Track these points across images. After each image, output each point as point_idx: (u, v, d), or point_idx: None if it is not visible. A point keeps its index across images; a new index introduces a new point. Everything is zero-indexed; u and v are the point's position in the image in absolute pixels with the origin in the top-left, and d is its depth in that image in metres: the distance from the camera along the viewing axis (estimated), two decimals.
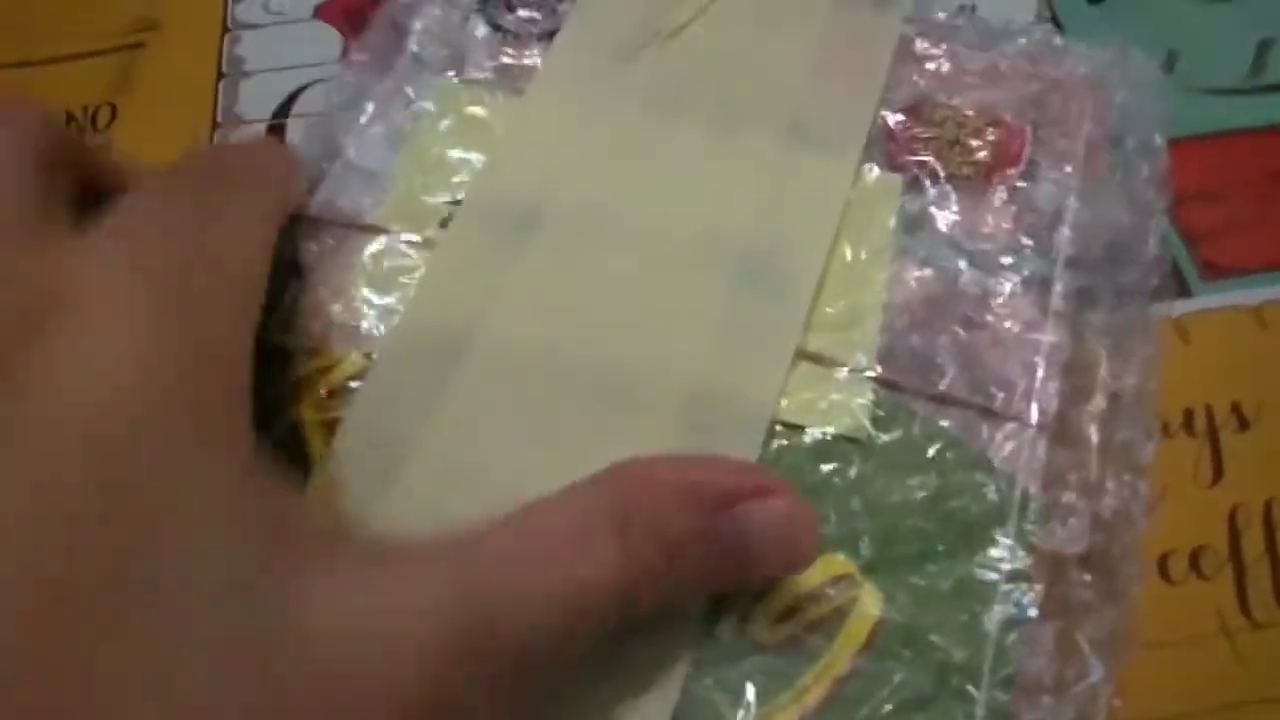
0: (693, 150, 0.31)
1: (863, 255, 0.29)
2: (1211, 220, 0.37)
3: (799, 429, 0.26)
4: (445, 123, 0.32)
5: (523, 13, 0.34)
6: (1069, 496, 0.26)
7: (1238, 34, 0.42)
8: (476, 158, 0.31)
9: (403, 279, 0.29)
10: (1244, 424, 0.32)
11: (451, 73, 0.33)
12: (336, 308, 0.28)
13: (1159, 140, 0.31)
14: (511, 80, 0.33)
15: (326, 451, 0.26)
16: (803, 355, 0.27)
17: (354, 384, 0.27)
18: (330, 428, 0.26)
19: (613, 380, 0.26)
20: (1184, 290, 0.35)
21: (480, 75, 0.33)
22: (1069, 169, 0.30)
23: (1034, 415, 0.26)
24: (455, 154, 0.31)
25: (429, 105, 0.32)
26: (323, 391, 0.27)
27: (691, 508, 0.21)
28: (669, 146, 0.31)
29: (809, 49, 0.33)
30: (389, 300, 0.28)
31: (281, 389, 0.27)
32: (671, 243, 0.29)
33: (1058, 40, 0.33)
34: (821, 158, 0.31)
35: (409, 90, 0.33)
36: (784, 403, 0.26)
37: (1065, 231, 0.29)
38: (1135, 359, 0.28)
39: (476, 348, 0.27)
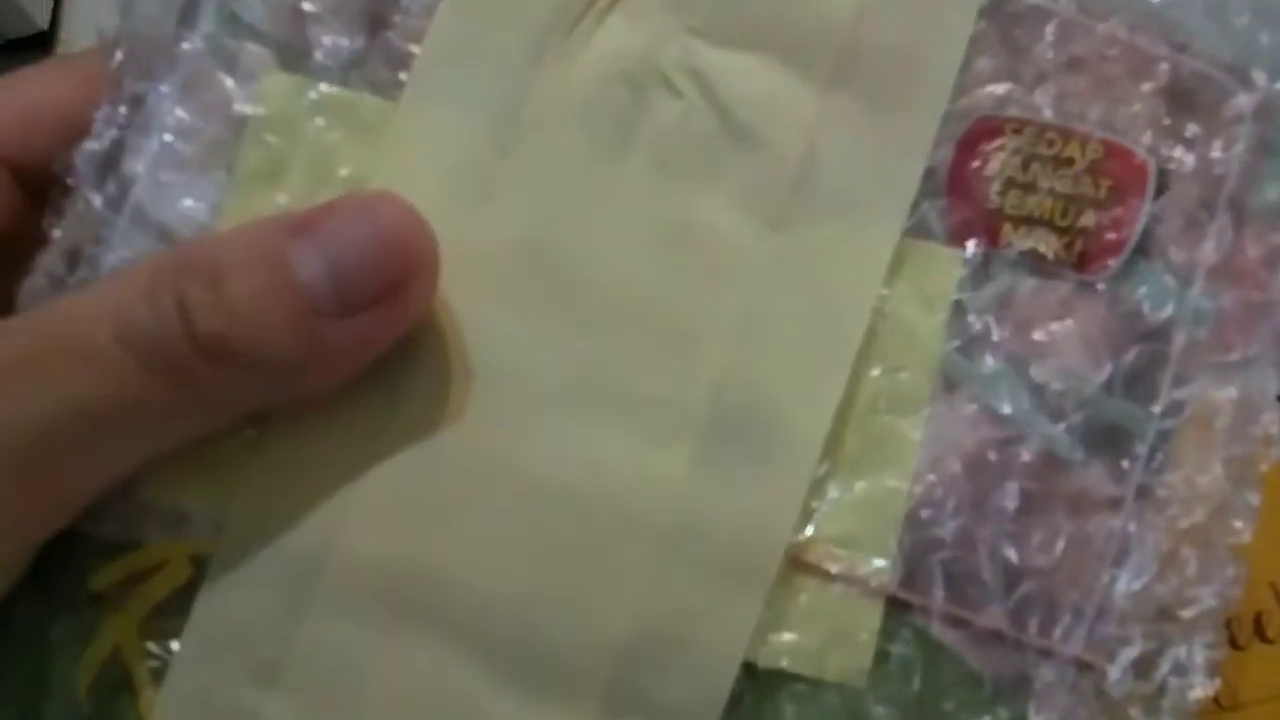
0: (645, 208, 0.21)
1: (895, 397, 0.20)
2: None
3: (778, 676, 0.20)
4: (273, 139, 0.21)
5: None
6: None
7: None
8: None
9: (245, 441, 0.20)
10: None
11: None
12: (154, 482, 0.20)
13: None
14: (376, 69, 0.21)
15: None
16: (793, 563, 0.20)
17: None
18: (158, 672, 0.20)
19: (514, 629, 0.20)
20: None
21: (330, 62, 0.21)
22: (1197, 260, 0.21)
23: (1108, 671, 0.20)
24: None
25: (256, 110, 0.21)
26: (142, 609, 0.20)
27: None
28: (610, 205, 0.21)
29: (835, 28, 0.21)
30: (228, 469, 0.20)
31: (82, 598, 0.20)
32: (607, 378, 0.20)
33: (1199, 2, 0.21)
34: (844, 218, 0.21)
35: (226, 81, 0.21)
36: (760, 639, 0.20)
37: (1172, 363, 0.20)
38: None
39: (335, 568, 0.20)
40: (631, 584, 0.20)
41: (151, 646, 0.20)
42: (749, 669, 0.20)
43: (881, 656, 0.20)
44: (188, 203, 0.20)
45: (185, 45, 0.21)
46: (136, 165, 0.21)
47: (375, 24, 0.21)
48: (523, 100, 0.21)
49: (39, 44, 0.40)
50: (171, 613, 0.20)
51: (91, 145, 0.21)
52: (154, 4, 0.21)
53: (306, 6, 0.21)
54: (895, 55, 0.21)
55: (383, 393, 0.20)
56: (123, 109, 0.21)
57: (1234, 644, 0.28)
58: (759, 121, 0.21)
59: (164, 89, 0.21)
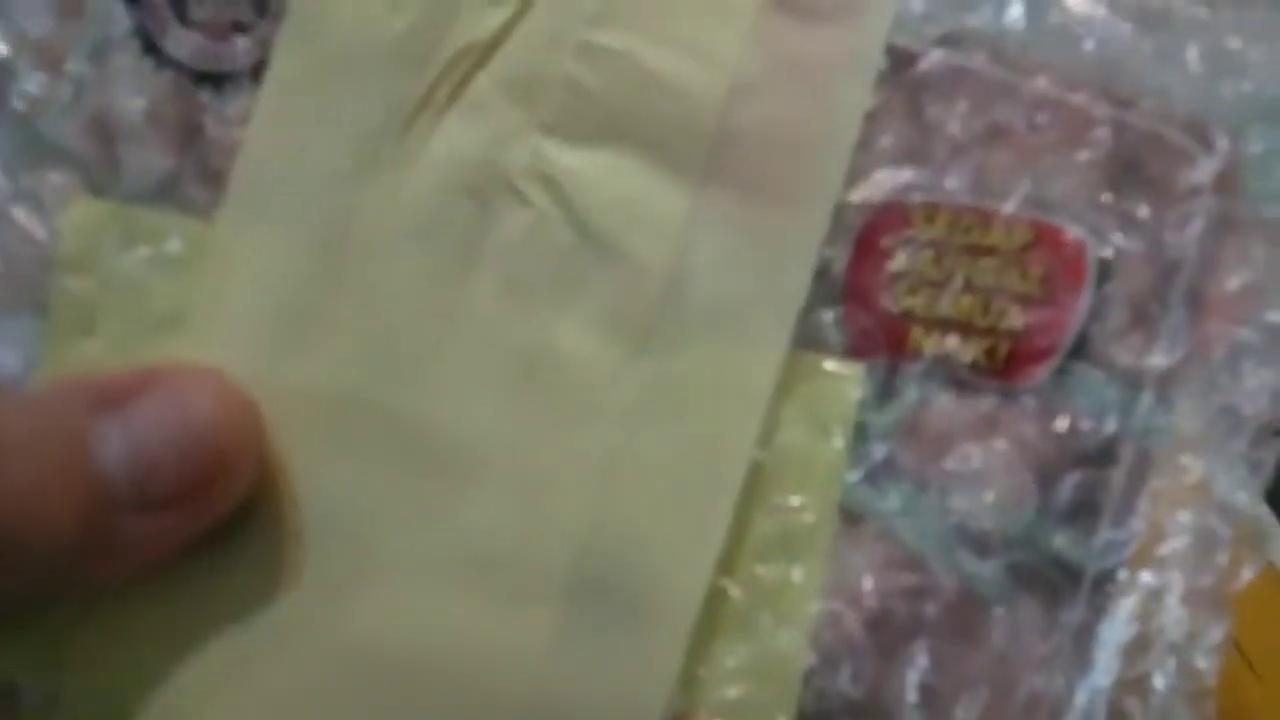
0: (495, 342, 0.18)
1: (786, 543, 0.18)
2: None
3: None
4: (80, 282, 0.19)
5: (202, 13, 0.19)
6: None
7: None
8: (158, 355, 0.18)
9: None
10: None
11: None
12: None
13: None
14: (188, 187, 0.19)
15: None
16: None
17: None
18: None
19: None
20: None
21: (141, 182, 0.19)
22: (1145, 355, 0.18)
23: None
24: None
25: (60, 248, 0.19)
26: None
27: None
28: (455, 340, 0.18)
29: (709, 112, 0.18)
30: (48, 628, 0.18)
31: None
32: (458, 541, 0.18)
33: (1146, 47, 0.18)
34: (720, 336, 0.18)
35: (22, 217, 0.19)
36: None
37: (1117, 489, 0.17)
38: None
39: None
40: None
41: None
42: None
43: None
44: None
45: None
46: None
47: (188, 135, 0.19)
48: (352, 217, 0.18)
49: None
50: None
51: None
52: None
53: (119, 112, 0.19)
54: (776, 142, 0.18)
55: (212, 558, 0.18)
56: None
57: None
58: (620, 230, 0.18)
59: None
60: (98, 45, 0.19)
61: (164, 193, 0.19)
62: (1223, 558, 0.17)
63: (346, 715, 0.18)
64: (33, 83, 0.19)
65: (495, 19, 0.18)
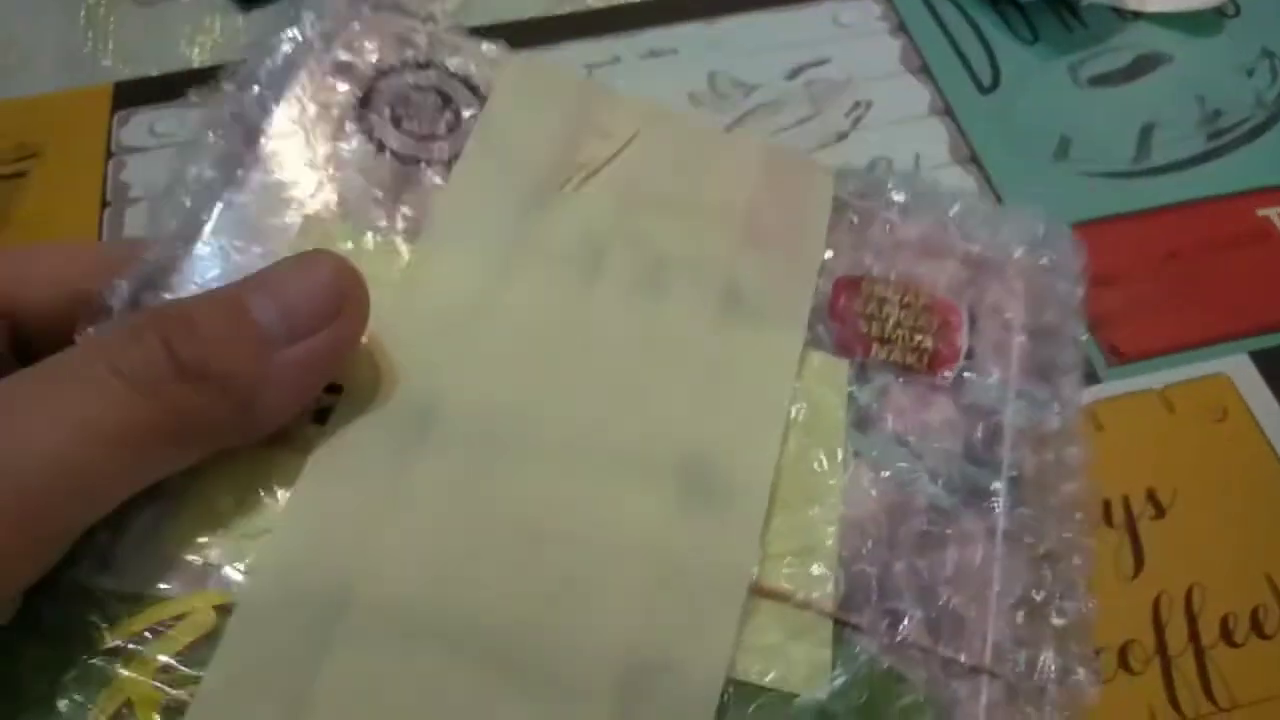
0: (616, 322, 0.27)
1: (818, 457, 0.26)
2: (1112, 305, 0.38)
3: (752, 690, 0.23)
4: None
5: (411, 127, 0.29)
6: None
7: (1123, 119, 0.44)
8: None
9: (263, 494, 0.23)
10: (1160, 511, 0.32)
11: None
12: (177, 532, 0.22)
13: (1078, 327, 0.31)
14: (397, 221, 0.27)
15: None
16: (754, 590, 0.24)
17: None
18: (174, 713, 0.20)
19: (526, 655, 0.22)
20: (1093, 377, 0.36)
21: (367, 208, 0.27)
22: (1008, 363, 0.29)
23: (1007, 674, 0.25)
24: None
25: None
26: (160, 659, 0.21)
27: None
28: (588, 318, 0.27)
29: (741, 207, 0.30)
30: (247, 523, 0.23)
31: (96, 651, 0.21)
32: (597, 449, 0.25)
33: (988, 207, 0.32)
34: (763, 332, 0.28)
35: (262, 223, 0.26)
36: (736, 658, 0.23)
37: (1007, 443, 0.28)
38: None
39: (359, 605, 0.22)
40: (625, 613, 0.23)
41: (168, 696, 0.21)
42: (728, 681, 0.23)
43: (834, 666, 0.24)
44: None
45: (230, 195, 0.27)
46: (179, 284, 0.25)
47: (399, 195, 0.28)
48: (514, 248, 0.27)
49: None
50: (190, 664, 0.21)
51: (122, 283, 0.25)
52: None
53: (349, 179, 0.27)
54: (781, 230, 0.29)
55: (402, 454, 0.24)
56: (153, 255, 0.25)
57: (1230, 641, 0.28)
58: (693, 264, 0.28)
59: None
60: (338, 126, 0.28)
61: (379, 225, 0.27)
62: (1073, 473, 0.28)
63: (504, 567, 0.23)
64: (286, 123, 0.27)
65: (607, 149, 0.29)
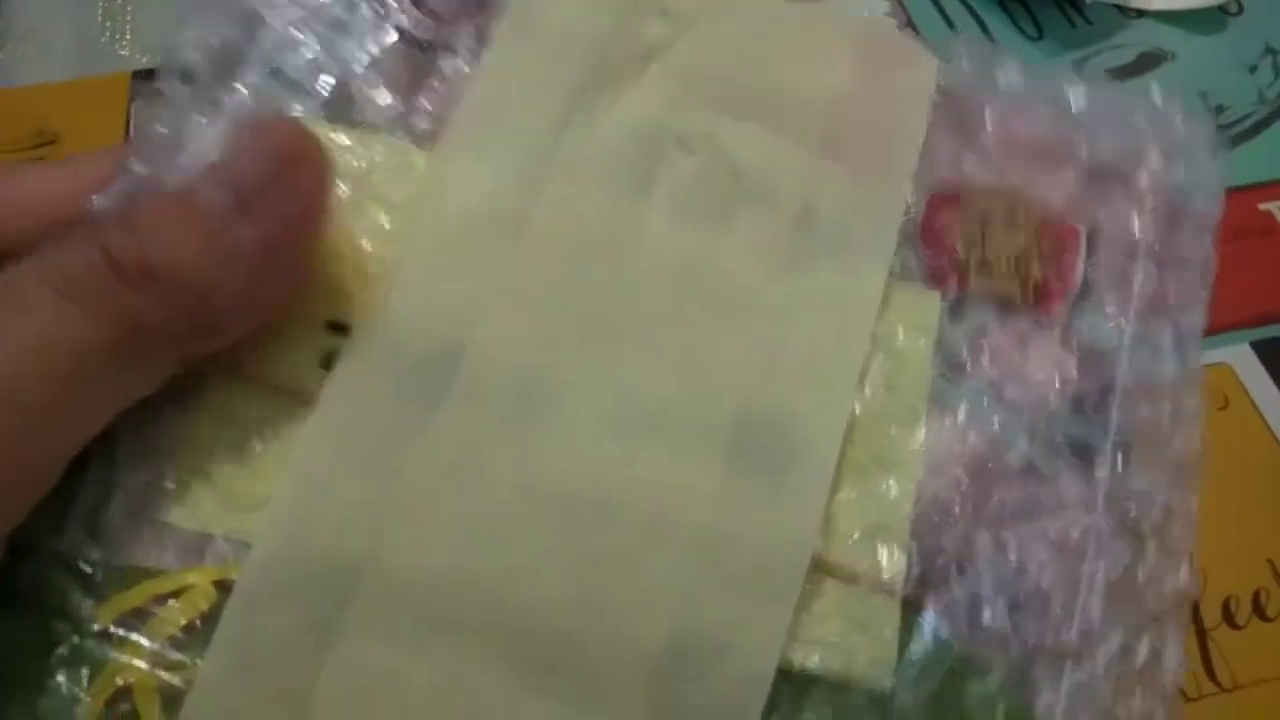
0: (667, 251, 0.23)
1: (893, 414, 0.22)
2: None
3: (810, 677, 0.20)
4: None
5: (432, 3, 0.24)
6: None
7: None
8: (369, 251, 0.22)
9: (262, 454, 0.20)
10: None
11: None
12: (170, 497, 0.20)
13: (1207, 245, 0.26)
14: (415, 121, 0.23)
15: None
16: (817, 567, 0.21)
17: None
18: (172, 700, 0.19)
19: (556, 645, 0.20)
20: None
21: (374, 118, 0.23)
22: (1128, 299, 0.24)
23: (1096, 658, 0.22)
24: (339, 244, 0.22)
25: None
26: (154, 643, 0.19)
27: None
28: (635, 247, 0.23)
29: (823, 103, 0.24)
30: (246, 489, 0.20)
31: (86, 631, 0.19)
32: (640, 401, 0.21)
33: (1117, 95, 0.26)
34: (840, 262, 0.23)
35: None
36: (790, 641, 0.20)
37: (1118, 394, 0.23)
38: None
39: (369, 587, 0.20)
40: (668, 593, 0.20)
41: (165, 679, 0.19)
42: (782, 671, 0.20)
43: (902, 654, 0.21)
44: None
45: (226, 96, 0.22)
46: None
47: (413, 87, 0.23)
48: (551, 153, 0.23)
49: None
50: (187, 648, 0.19)
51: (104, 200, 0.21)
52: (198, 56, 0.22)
53: (355, 68, 0.23)
54: (870, 133, 0.24)
55: (419, 407, 0.21)
56: (140, 167, 0.22)
57: (1232, 623, 0.29)
58: (763, 178, 0.23)
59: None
60: (345, 5, 0.23)
61: (392, 126, 0.23)
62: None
63: (544, 548, 0.20)
64: (282, 27, 0.23)
65: (667, 29, 0.24)
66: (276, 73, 0.23)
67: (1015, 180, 0.25)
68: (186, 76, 0.22)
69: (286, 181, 0.20)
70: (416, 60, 0.23)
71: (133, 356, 0.19)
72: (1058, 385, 0.23)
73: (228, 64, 0.23)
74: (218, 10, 0.23)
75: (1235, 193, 0.41)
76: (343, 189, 0.22)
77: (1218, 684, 0.30)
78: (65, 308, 0.18)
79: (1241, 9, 0.46)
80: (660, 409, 0.21)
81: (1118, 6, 0.45)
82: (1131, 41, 0.45)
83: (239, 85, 0.22)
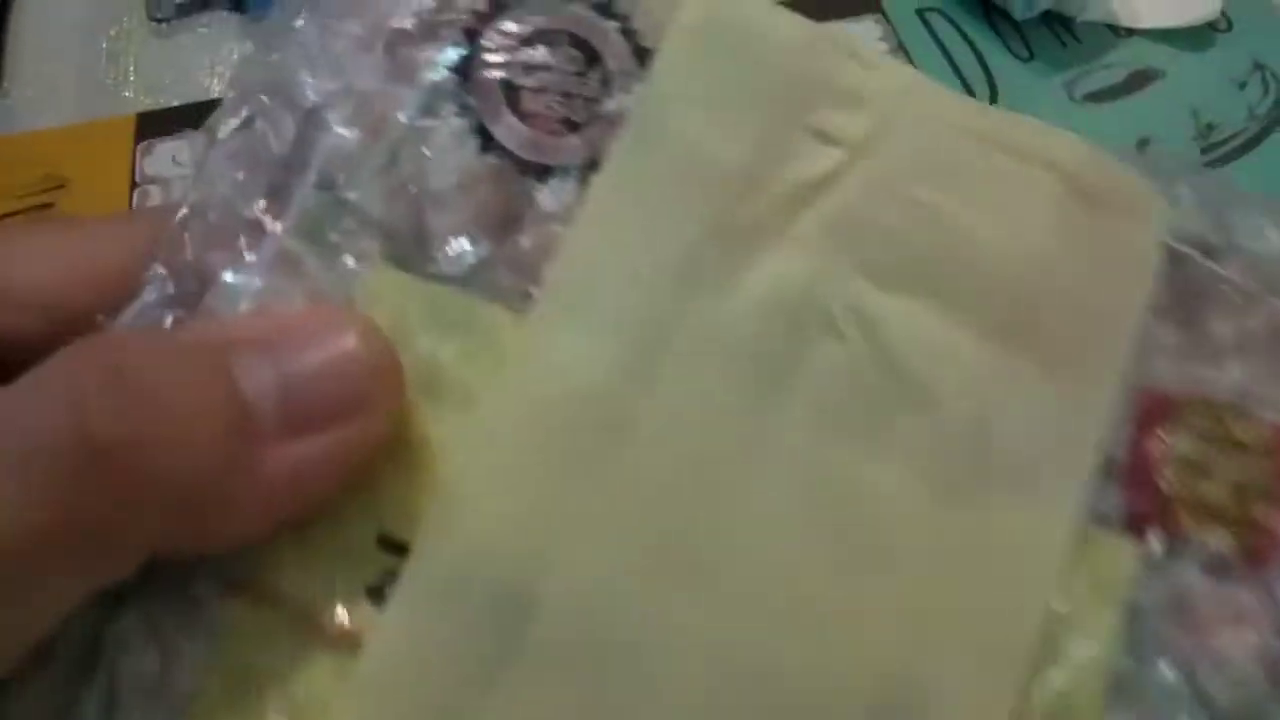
0: (803, 473, 0.18)
1: (1062, 712, 0.17)
2: None
3: None
4: None
5: (533, 104, 0.18)
6: None
7: (1118, 134, 0.44)
8: (436, 448, 0.17)
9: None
10: None
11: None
12: None
13: None
14: (500, 276, 0.18)
15: None
16: None
17: None
18: None
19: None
20: None
21: (451, 267, 0.18)
22: None
23: None
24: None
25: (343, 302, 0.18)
26: None
27: None
28: (763, 467, 0.18)
29: (1010, 275, 0.19)
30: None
31: None
32: (751, 669, 0.17)
33: None
34: (1017, 496, 0.18)
35: (319, 273, 0.17)
36: None
37: None
38: None
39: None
40: None
41: None
42: None
43: None
44: None
45: (272, 222, 0.17)
46: None
47: (505, 223, 0.18)
48: (669, 330, 0.18)
49: None
50: None
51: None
52: (231, 163, 0.18)
53: (430, 192, 0.18)
54: (1072, 315, 0.19)
55: (487, 667, 0.17)
56: (172, 287, 0.17)
57: None
58: (929, 377, 0.18)
59: (232, 278, 0.17)
60: (424, 110, 0.18)
61: (473, 278, 0.18)
62: None
63: None
64: (346, 140, 0.17)
65: (828, 162, 0.19)
66: (328, 186, 0.18)
67: (1248, 386, 0.19)
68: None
69: (352, 410, 0.16)
70: (510, 184, 0.18)
71: (91, 556, 0.15)
72: (1258, 669, 0.18)
73: (270, 168, 0.18)
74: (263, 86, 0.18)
75: None
76: (410, 370, 0.17)
77: None
78: (11, 480, 0.14)
79: (1230, 25, 0.47)
80: (779, 686, 0.17)
81: (1108, 25, 0.46)
82: (1122, 61, 0.46)
83: (281, 221, 0.17)
